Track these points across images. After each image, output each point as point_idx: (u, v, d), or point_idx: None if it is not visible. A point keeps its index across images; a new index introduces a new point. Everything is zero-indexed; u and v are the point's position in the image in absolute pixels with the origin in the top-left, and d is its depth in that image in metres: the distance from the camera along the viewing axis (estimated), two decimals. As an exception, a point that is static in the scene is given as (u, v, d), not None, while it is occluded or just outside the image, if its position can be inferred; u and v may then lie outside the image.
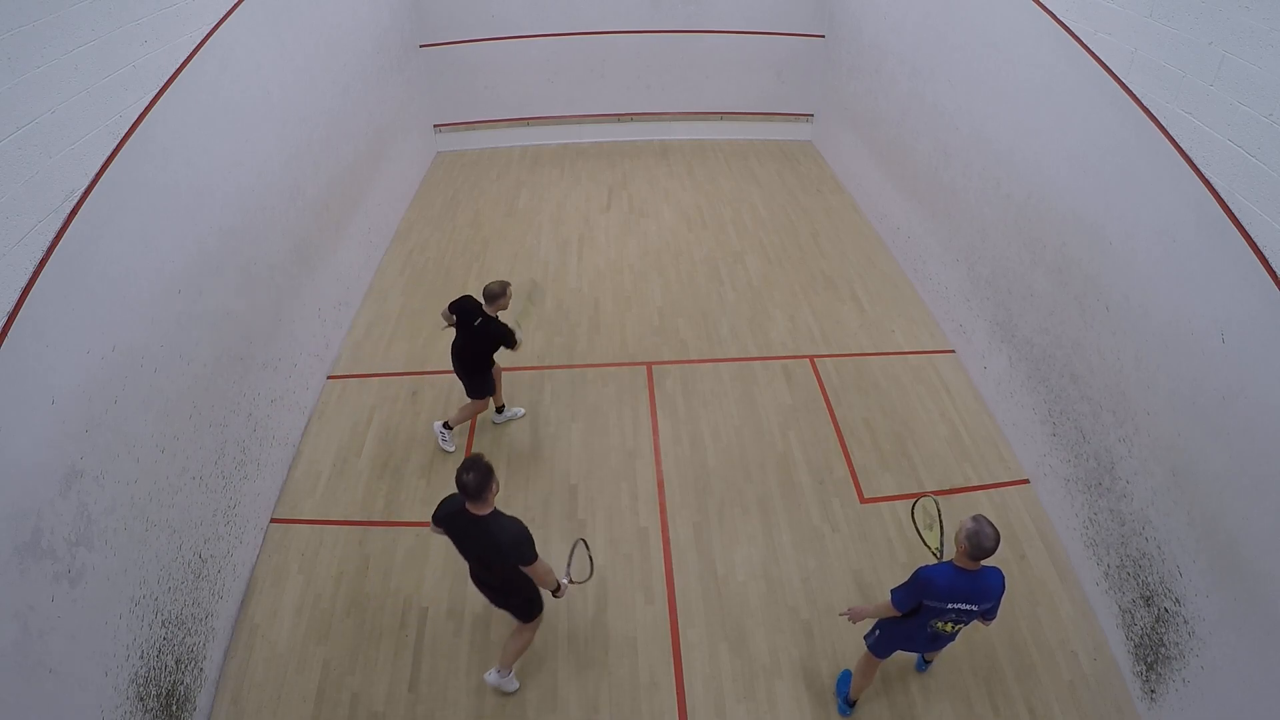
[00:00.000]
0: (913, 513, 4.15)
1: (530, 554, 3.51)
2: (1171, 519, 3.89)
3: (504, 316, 5.29)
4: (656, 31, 10.03)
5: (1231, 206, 3.46)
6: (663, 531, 5.04)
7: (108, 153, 3.64)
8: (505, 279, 5.31)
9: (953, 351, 6.59)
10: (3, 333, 2.95)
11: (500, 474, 5.41)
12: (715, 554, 4.88)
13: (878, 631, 3.77)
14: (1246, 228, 3.36)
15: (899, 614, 3.49)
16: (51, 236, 3.25)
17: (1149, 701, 4.00)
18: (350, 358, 6.68)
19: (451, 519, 3.54)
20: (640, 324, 7.01)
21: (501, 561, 3.60)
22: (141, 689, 3.61)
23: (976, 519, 3.29)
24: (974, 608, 3.35)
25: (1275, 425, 3.20)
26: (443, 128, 10.60)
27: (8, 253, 3.00)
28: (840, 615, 4.05)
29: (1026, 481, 5.35)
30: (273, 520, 5.16)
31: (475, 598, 4.64)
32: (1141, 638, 4.08)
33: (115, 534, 3.53)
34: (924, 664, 4.29)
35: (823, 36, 9.99)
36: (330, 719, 4.08)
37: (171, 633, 3.90)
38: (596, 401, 6.12)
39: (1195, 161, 3.68)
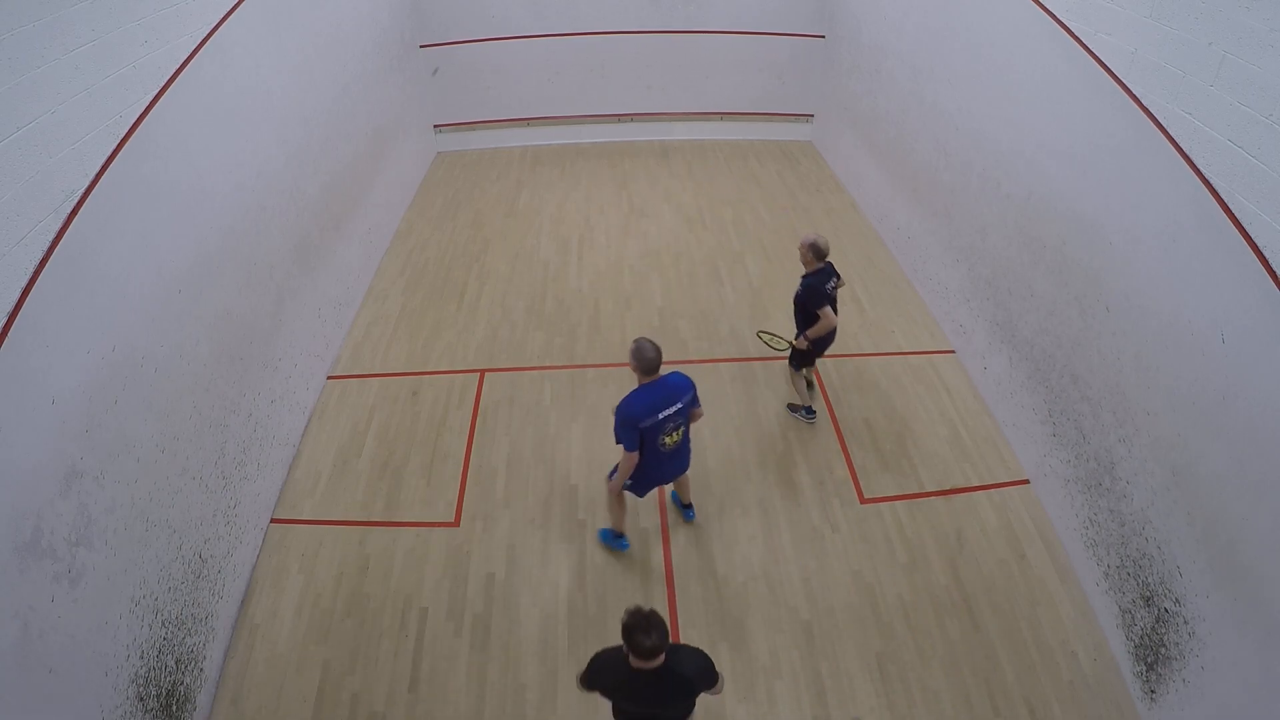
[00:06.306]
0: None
1: (715, 675, 3.10)
2: (1171, 519, 3.89)
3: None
4: (656, 32, 10.03)
5: (1231, 206, 3.45)
6: (663, 531, 5.04)
7: (108, 153, 3.64)
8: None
9: (953, 352, 6.59)
10: (3, 333, 2.95)
11: (500, 474, 5.48)
12: (715, 554, 4.88)
13: (630, 481, 4.35)
14: (1246, 228, 3.36)
15: (637, 455, 4.07)
16: (51, 236, 3.25)
17: (1149, 701, 4.00)
18: (350, 358, 6.68)
19: (624, 683, 2.98)
20: (640, 324, 7.00)
21: (690, 697, 3.10)
22: (141, 689, 3.61)
23: (635, 341, 3.98)
24: (679, 405, 4.05)
25: (1275, 425, 3.19)
26: (443, 128, 10.60)
27: (8, 253, 3.01)
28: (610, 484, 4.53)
29: (1026, 482, 5.35)
30: (273, 520, 5.16)
31: (475, 597, 4.66)
32: (1141, 638, 4.08)
33: (115, 534, 3.53)
34: (690, 512, 5.02)
35: (823, 37, 9.99)
36: (330, 719, 4.08)
37: (171, 633, 3.90)
38: (596, 402, 6.12)
39: (1195, 161, 3.68)
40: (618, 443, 4.13)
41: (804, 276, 5.24)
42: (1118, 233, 4.31)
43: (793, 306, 5.43)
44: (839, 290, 5.39)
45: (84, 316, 3.43)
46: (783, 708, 4.10)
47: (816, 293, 5.14)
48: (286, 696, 4.18)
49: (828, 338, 5.44)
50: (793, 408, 5.91)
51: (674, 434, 4.18)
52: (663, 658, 2.84)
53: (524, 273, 7.83)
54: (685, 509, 5.08)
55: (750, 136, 10.83)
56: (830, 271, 5.24)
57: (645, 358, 4.00)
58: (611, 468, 4.58)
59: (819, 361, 6.47)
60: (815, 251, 5.15)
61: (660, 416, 4.04)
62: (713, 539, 4.98)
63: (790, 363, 5.77)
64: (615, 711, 3.27)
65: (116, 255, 3.68)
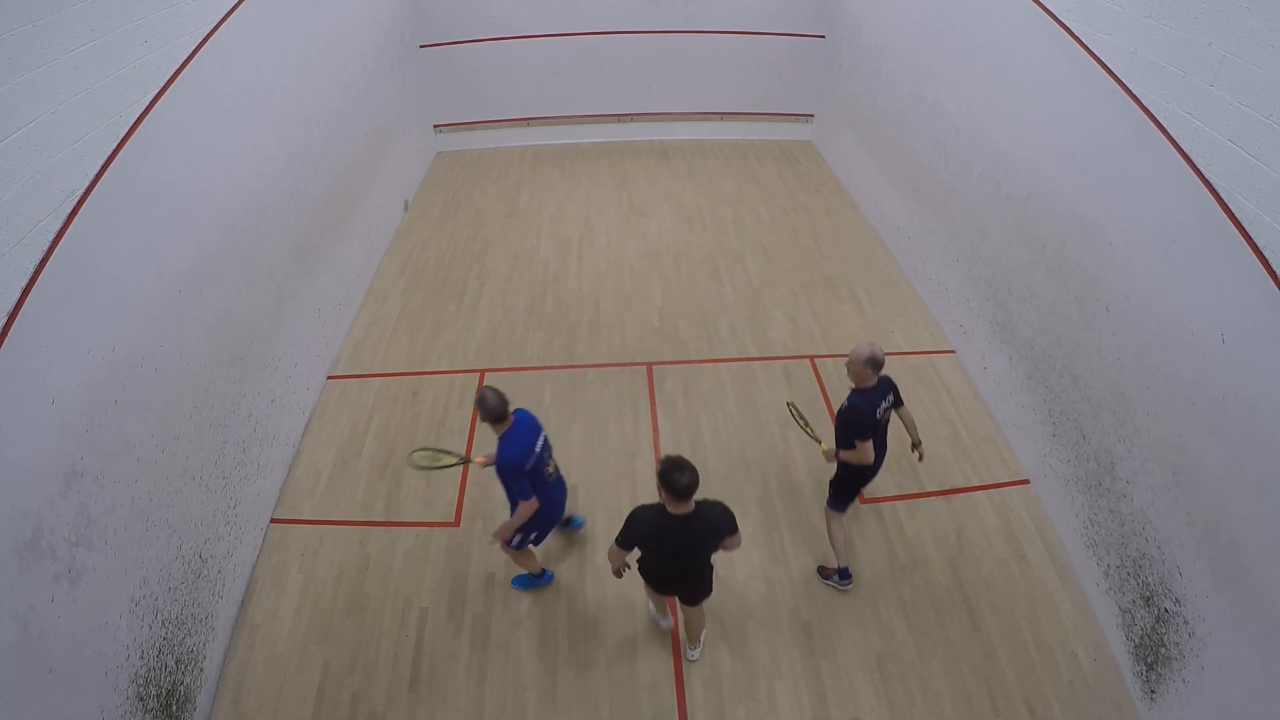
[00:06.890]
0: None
1: (735, 525, 3.60)
2: (1171, 519, 3.89)
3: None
4: (657, 32, 10.03)
5: (1231, 206, 3.45)
6: (663, 531, 5.04)
7: (108, 153, 3.64)
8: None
9: (953, 352, 6.59)
10: (3, 333, 2.95)
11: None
12: (715, 554, 4.87)
13: (519, 535, 4.27)
14: (1246, 228, 3.36)
15: (536, 500, 4.05)
16: (51, 236, 3.25)
17: (1149, 701, 4.00)
18: (350, 358, 6.68)
19: (659, 530, 3.49)
20: (640, 324, 7.01)
21: (714, 540, 3.60)
22: (141, 689, 3.61)
23: (478, 393, 4.02)
24: (542, 436, 4.18)
25: (1275, 425, 3.19)
26: (443, 128, 10.61)
27: (8, 253, 3.01)
28: (493, 542, 4.56)
29: (1026, 482, 5.35)
30: (273, 520, 5.16)
31: (475, 597, 4.66)
32: (1141, 638, 4.08)
33: (115, 534, 3.53)
34: (576, 520, 5.02)
35: (823, 37, 9.99)
36: (330, 719, 4.08)
37: (171, 633, 3.90)
38: (596, 402, 6.12)
39: (1195, 161, 3.68)
40: (523, 498, 4.01)
41: (852, 392, 4.27)
42: (1118, 233, 4.32)
43: (836, 416, 4.40)
44: (893, 412, 4.41)
45: (84, 316, 3.43)
46: (783, 708, 4.10)
47: (861, 417, 4.14)
48: (286, 696, 4.18)
49: (866, 470, 4.43)
50: (823, 572, 4.75)
51: (550, 462, 4.27)
52: (694, 505, 3.38)
53: (524, 273, 7.83)
54: (570, 521, 4.99)
55: (750, 136, 10.83)
56: (885, 389, 4.28)
57: (488, 407, 3.98)
58: (500, 529, 4.24)
59: (823, 362, 6.47)
60: (874, 365, 4.14)
61: (537, 450, 4.09)
62: (713, 539, 4.97)
63: (830, 501, 4.65)
64: (642, 568, 3.87)
65: (116, 255, 3.68)
